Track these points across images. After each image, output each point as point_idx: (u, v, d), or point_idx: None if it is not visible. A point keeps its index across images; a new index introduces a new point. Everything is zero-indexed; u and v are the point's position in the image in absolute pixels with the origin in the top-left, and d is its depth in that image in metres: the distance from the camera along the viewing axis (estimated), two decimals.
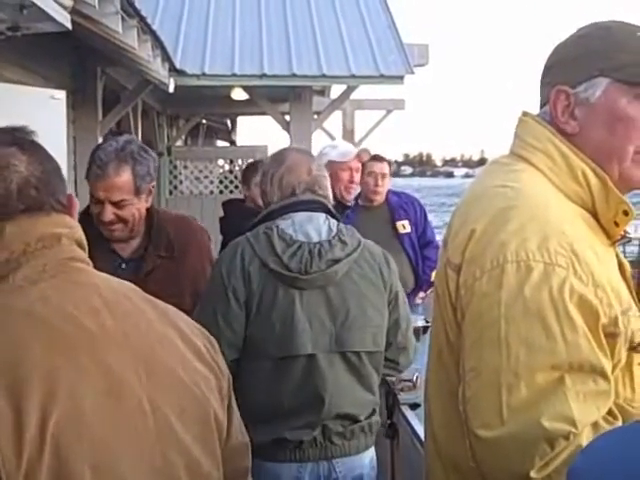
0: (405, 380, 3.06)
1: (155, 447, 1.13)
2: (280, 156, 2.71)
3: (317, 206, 2.60)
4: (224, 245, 4.45)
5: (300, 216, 2.55)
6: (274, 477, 2.46)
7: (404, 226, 4.86)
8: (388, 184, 4.93)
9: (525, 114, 1.53)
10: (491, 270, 1.30)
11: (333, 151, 4.70)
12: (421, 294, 4.93)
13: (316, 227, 2.54)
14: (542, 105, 1.52)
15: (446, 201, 44.14)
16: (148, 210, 2.74)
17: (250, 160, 7.36)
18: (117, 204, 2.61)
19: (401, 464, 3.01)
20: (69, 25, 3.80)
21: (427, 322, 3.92)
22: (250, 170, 4.80)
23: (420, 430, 2.59)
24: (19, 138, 1.22)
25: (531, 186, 1.41)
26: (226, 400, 1.30)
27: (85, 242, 1.25)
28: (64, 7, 3.72)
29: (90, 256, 1.26)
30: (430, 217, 5.32)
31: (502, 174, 1.47)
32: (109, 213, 2.60)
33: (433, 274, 4.87)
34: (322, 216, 2.58)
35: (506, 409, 1.23)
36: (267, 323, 2.43)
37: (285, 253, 2.45)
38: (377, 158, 5.01)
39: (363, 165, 4.79)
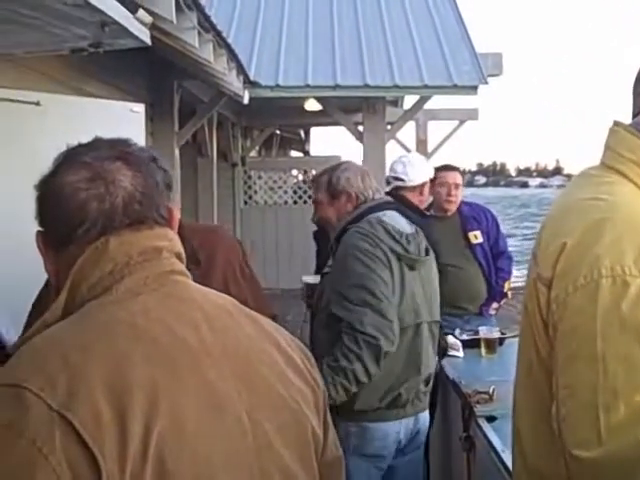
0: (481, 392, 3.02)
1: (254, 462, 1.13)
2: (352, 166, 3.16)
3: (391, 206, 3.06)
4: (319, 252, 4.67)
5: (389, 213, 2.98)
6: (383, 435, 2.94)
7: (476, 236, 4.80)
8: (461, 194, 4.86)
9: (617, 124, 1.48)
10: (585, 285, 1.26)
11: (431, 165, 4.76)
12: (494, 305, 4.86)
13: (403, 222, 2.99)
14: (634, 115, 1.47)
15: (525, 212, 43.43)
16: None
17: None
18: None
19: (477, 477, 2.97)
20: (149, 41, 3.87)
21: (503, 333, 3.88)
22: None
23: (497, 443, 2.56)
24: (123, 152, 1.24)
25: (625, 198, 1.37)
26: (322, 414, 1.30)
27: (184, 255, 1.27)
28: (144, 24, 3.79)
29: None
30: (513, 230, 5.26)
31: (593, 186, 1.43)
32: None
33: (506, 285, 4.82)
34: (397, 213, 3.02)
35: (604, 429, 1.19)
36: (402, 296, 2.87)
37: (401, 240, 2.88)
38: (449, 168, 4.91)
39: (435, 176, 4.70)
